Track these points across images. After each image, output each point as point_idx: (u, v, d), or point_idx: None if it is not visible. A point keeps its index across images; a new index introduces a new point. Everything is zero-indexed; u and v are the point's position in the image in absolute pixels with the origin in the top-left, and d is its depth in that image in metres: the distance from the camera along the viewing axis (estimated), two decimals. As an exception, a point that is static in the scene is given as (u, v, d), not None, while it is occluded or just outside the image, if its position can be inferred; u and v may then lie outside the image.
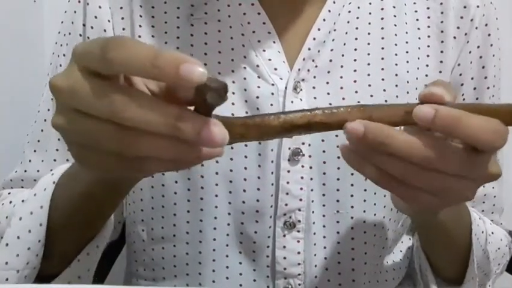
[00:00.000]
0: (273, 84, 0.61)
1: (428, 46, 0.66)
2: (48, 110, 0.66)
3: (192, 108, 0.36)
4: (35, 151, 0.66)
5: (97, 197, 0.51)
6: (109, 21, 0.63)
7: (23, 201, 0.56)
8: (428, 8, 0.66)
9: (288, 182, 0.61)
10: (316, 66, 0.62)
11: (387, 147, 0.39)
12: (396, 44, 0.64)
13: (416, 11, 0.66)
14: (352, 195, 0.62)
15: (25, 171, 0.66)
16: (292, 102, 0.61)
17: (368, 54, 0.63)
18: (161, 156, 0.36)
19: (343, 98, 0.62)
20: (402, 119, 0.40)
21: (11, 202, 0.60)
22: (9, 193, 0.64)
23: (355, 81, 0.62)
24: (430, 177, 0.41)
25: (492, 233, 0.66)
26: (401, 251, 0.70)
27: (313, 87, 0.62)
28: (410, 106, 0.40)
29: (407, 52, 0.65)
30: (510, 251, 0.71)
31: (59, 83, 0.37)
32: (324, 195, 0.62)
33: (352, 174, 0.62)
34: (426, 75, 0.65)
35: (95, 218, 0.56)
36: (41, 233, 0.54)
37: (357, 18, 0.64)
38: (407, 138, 0.40)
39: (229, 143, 0.36)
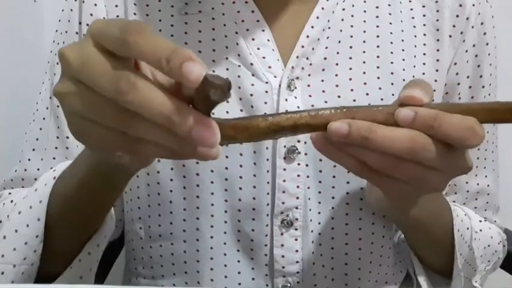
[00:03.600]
0: (267, 82, 0.61)
1: (424, 44, 0.65)
2: (47, 108, 0.66)
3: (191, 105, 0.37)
4: (33, 150, 0.66)
5: (93, 188, 0.52)
6: (104, 18, 0.64)
7: (24, 198, 0.57)
8: (423, 6, 0.66)
9: (284, 180, 0.61)
10: (310, 64, 0.62)
11: (371, 141, 0.41)
12: (391, 42, 0.64)
13: (411, 9, 0.66)
14: (348, 193, 0.62)
15: (25, 170, 0.66)
16: (286, 100, 0.61)
17: (364, 52, 0.63)
18: (158, 142, 0.37)
19: (338, 96, 0.62)
20: (384, 120, 0.42)
21: (12, 201, 0.60)
22: (9, 193, 0.64)
23: (350, 79, 0.62)
24: (408, 168, 0.43)
25: (480, 230, 0.66)
26: (397, 253, 0.70)
27: (308, 85, 0.62)
28: (392, 108, 0.42)
29: (402, 50, 0.64)
30: (504, 248, 0.71)
31: (69, 54, 0.38)
32: (320, 192, 0.62)
33: (348, 171, 0.62)
34: (423, 74, 0.65)
35: (92, 212, 0.56)
36: (38, 228, 0.54)
37: (352, 16, 0.64)
38: (389, 132, 0.41)
39: (220, 144, 0.37)
